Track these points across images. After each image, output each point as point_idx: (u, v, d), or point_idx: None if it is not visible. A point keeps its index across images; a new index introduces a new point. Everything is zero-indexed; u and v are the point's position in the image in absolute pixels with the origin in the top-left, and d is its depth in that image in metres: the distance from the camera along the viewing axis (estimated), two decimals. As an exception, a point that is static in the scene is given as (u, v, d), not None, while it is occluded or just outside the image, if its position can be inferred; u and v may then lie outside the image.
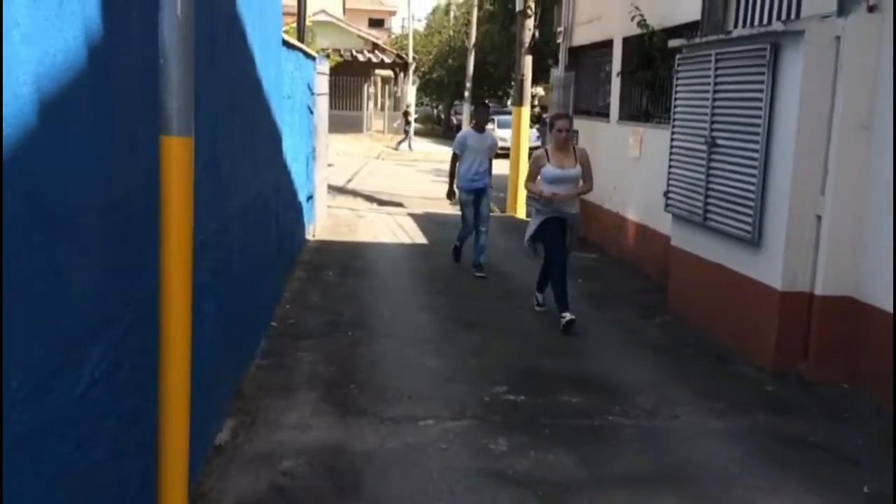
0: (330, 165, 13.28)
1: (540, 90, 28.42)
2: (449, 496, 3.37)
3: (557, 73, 11.63)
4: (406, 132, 27.54)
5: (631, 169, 8.32)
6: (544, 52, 17.06)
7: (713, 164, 5.63)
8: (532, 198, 6.22)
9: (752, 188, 5.11)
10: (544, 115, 18.48)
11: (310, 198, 9.12)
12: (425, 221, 11.47)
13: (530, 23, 12.84)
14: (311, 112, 8.95)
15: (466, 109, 30.59)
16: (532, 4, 12.72)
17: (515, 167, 12.47)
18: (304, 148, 8.37)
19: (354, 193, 14.76)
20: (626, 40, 8.94)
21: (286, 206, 6.95)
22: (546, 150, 6.11)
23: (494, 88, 34.17)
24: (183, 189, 2.17)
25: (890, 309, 4.44)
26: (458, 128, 31.42)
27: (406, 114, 29.16)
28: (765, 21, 5.66)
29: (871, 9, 4.65)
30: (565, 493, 3.44)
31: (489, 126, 24.79)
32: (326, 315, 6.10)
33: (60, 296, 1.80)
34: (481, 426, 4.12)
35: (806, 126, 4.74)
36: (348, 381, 4.68)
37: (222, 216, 3.74)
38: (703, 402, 4.54)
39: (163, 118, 2.08)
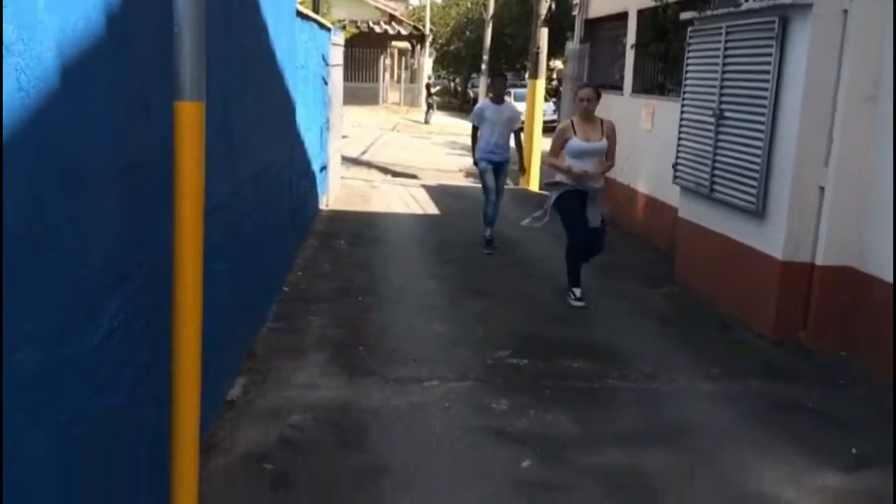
0: (344, 137, 13.38)
1: (559, 63, 28.24)
2: (450, 451, 3.52)
3: (573, 45, 11.60)
4: (429, 104, 27.52)
5: (643, 142, 8.36)
6: (563, 25, 16.98)
7: (720, 136, 5.68)
8: (549, 182, 5.99)
9: (757, 160, 5.17)
10: (561, 89, 18.42)
11: (323, 168, 9.24)
12: (438, 193, 11.57)
13: (547, -7, 12.79)
14: (326, 83, 9.04)
15: (483, 82, 30.54)
16: (548, -24, 12.65)
17: (529, 140, 12.49)
18: (317, 118, 8.48)
19: (369, 165, 14.87)
20: (640, 12, 8.93)
21: (299, 176, 7.08)
22: (572, 122, 5.81)
23: (512, 61, 33.96)
24: (195, 152, 2.29)
25: (889, 279, 4.52)
26: (475, 101, 31.37)
27: (428, 87, 29.15)
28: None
29: (879, -18, 4.66)
30: (562, 449, 3.58)
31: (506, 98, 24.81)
32: (337, 282, 6.25)
33: (80, 250, 1.93)
34: (484, 387, 4.26)
35: (811, 98, 4.78)
36: (357, 343, 4.84)
37: (234, 181, 3.88)
38: (701, 368, 4.66)
39: (176, 84, 2.20)
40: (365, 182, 12.62)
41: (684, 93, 6.35)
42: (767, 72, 5.07)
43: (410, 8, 43.01)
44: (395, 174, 14.07)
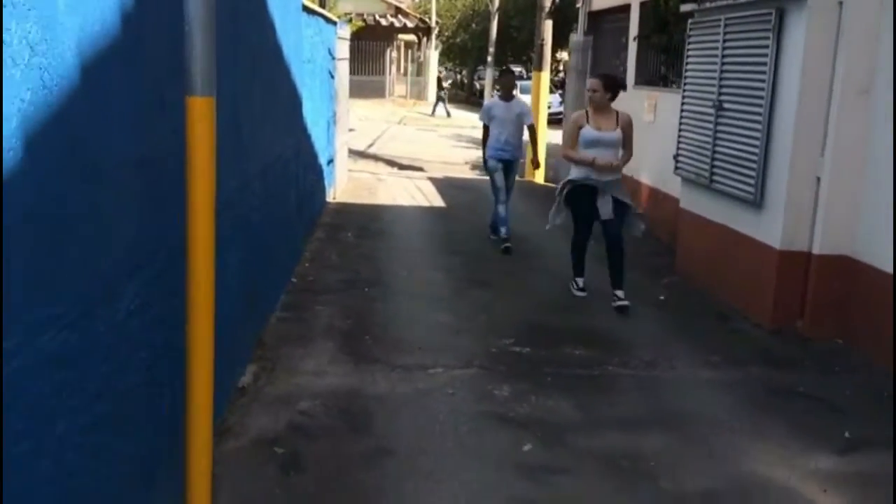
0: (351, 130, 13.49)
1: (565, 55, 28.26)
2: (453, 434, 3.64)
3: (576, 37, 11.68)
4: (440, 98, 27.57)
5: (645, 134, 8.41)
6: (568, 17, 17.02)
7: (720, 128, 5.77)
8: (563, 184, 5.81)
9: (755, 150, 5.26)
10: (566, 81, 18.47)
11: (330, 161, 9.35)
12: (444, 185, 11.67)
13: (551, -14, 12.85)
14: (332, 77, 9.13)
15: (489, 74, 30.56)
16: (553, -32, 12.71)
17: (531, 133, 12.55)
18: (324, 112, 8.58)
19: (375, 158, 14.97)
20: (643, 4, 9.00)
21: (306, 169, 7.19)
22: (586, 112, 5.70)
23: (518, 53, 33.96)
24: (207, 146, 2.40)
25: (884, 268, 4.60)
26: (481, 93, 31.38)
27: (440, 80, 29.22)
28: (774, -14, 5.73)
29: (875, -26, 4.73)
30: (562, 433, 3.69)
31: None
32: (344, 273, 6.37)
33: (100, 238, 2.05)
34: (487, 374, 4.37)
35: (808, 89, 4.86)
36: (363, 333, 4.95)
37: (243, 175, 3.99)
38: (700, 356, 4.76)
39: (188, 80, 2.31)
40: (371, 175, 12.73)
41: (685, 84, 6.43)
42: (765, 63, 5.15)
43: (416, 1, 43.02)
44: (402, 167, 14.17)
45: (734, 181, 5.56)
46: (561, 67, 28.63)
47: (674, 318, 5.54)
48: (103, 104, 2.02)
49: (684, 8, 6.54)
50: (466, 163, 14.95)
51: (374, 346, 4.73)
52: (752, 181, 5.31)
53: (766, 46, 5.14)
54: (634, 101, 8.81)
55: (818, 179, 4.93)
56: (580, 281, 5.94)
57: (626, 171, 9.02)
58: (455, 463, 3.38)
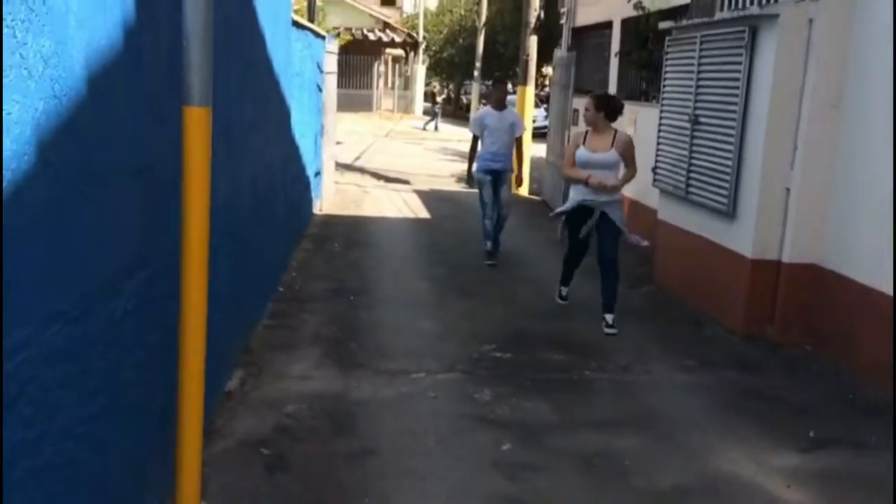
0: (338, 143, 13.63)
1: (550, 71, 28.57)
2: (435, 435, 3.77)
3: (560, 52, 11.90)
4: (436, 113, 27.72)
5: (626, 147, 8.62)
6: (553, 33, 17.29)
7: (696, 141, 5.96)
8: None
9: (728, 163, 5.45)
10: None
11: (318, 173, 9.49)
12: (430, 198, 11.83)
13: (536, 3, 13.08)
14: (320, 90, 9.29)
15: (476, 89, 30.84)
16: (538, -16, 12.95)
17: (518, 146, 12.75)
18: (312, 125, 8.73)
19: (362, 170, 15.11)
20: (624, 21, 9.23)
21: (294, 180, 7.33)
22: (587, 132, 5.63)
23: (505, 68, 34.27)
24: (202, 154, 2.54)
25: (850, 275, 4.79)
26: (468, 107, 31.65)
27: (434, 94, 29.42)
28: (747, 5, 5.95)
29: (843, -6, 4.94)
30: (540, 433, 3.83)
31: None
32: (331, 283, 6.50)
33: (101, 240, 2.18)
34: (469, 379, 4.51)
35: (778, 104, 5.06)
36: (349, 339, 5.08)
37: (233, 184, 4.12)
38: (674, 360, 4.92)
39: (185, 90, 2.45)
40: (358, 187, 12.87)
41: (663, 99, 6.62)
42: (738, 79, 5.35)
43: (404, 16, 43.35)
44: (388, 179, 14.32)
45: (709, 193, 5.75)
46: (546, 82, 28.92)
47: (650, 325, 5.71)
48: (106, 113, 2.16)
49: (663, 25, 6.75)
50: (452, 175, 15.11)
51: (360, 352, 4.86)
52: (725, 192, 5.49)
53: (740, 63, 5.34)
54: (616, 115, 9.01)
55: (788, 191, 5.12)
56: (563, 290, 6.08)
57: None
58: (436, 462, 3.51)
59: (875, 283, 4.58)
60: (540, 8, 13.39)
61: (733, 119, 5.40)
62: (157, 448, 2.79)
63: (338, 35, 16.65)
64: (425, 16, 35.82)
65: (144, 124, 2.50)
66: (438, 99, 29.03)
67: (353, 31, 28.36)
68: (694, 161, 5.98)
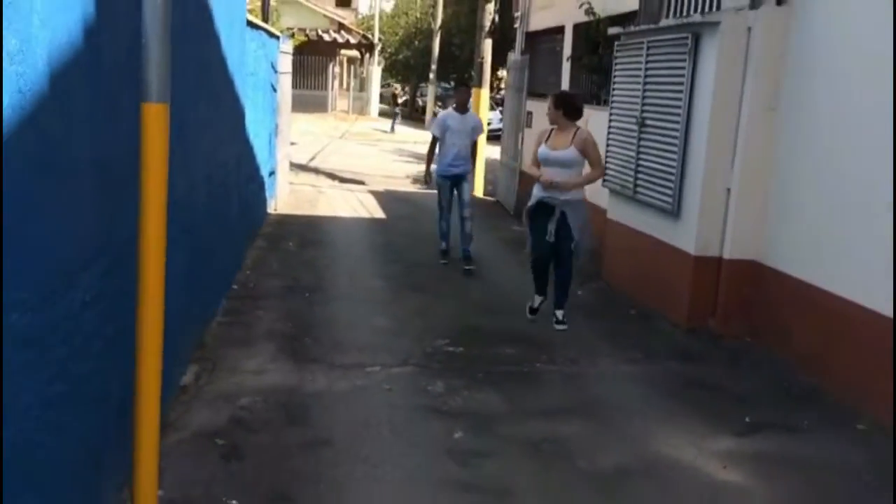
0: (293, 144, 13.61)
1: (506, 74, 28.84)
2: (389, 425, 3.87)
3: (514, 56, 12.10)
4: (396, 114, 27.72)
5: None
6: (508, 37, 17.53)
7: (643, 143, 6.17)
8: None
9: (673, 164, 5.66)
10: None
11: (272, 173, 9.50)
12: (385, 198, 11.91)
13: (491, 7, 13.28)
14: (275, 90, 9.31)
15: (431, 91, 30.99)
16: (493, -12, 13.15)
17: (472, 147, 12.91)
18: (266, 124, 8.74)
19: (317, 171, 15.11)
20: (576, 27, 9.45)
21: (248, 179, 7.35)
22: (551, 130, 5.60)
23: (460, 71, 34.51)
24: (160, 149, 2.59)
25: (786, 271, 5.03)
26: (424, 109, 31.76)
27: (395, 96, 29.41)
28: (691, 12, 6.19)
29: (780, 2, 5.19)
30: (490, 422, 3.96)
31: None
32: (285, 280, 6.54)
33: (60, 231, 2.23)
34: (422, 372, 4.62)
35: (719, 108, 5.28)
36: (304, 335, 5.15)
37: (188, 180, 4.16)
38: (620, 353, 5.11)
39: (144, 87, 2.51)
40: (313, 187, 12.87)
41: (612, 102, 6.83)
42: (682, 84, 5.57)
43: (360, 17, 43.29)
44: (343, 180, 14.35)
45: (655, 192, 5.96)
46: (502, 85, 29.21)
47: (599, 321, 5.90)
48: (67, 108, 2.22)
49: (611, 31, 6.96)
50: (408, 176, 15.21)
51: (314, 347, 4.93)
52: (670, 192, 5.71)
53: (683, 68, 5.56)
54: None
55: (728, 191, 5.35)
56: (537, 299, 5.72)
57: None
58: (390, 449, 3.61)
59: (809, 277, 4.82)
60: (495, 12, 13.59)
61: (677, 122, 5.62)
62: (114, 437, 2.84)
63: (292, 35, 16.61)
64: (381, 17, 35.85)
65: (102, 120, 2.56)
66: (399, 101, 29.04)
67: (308, 31, 28.23)
68: (641, 162, 6.19)
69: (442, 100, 31.26)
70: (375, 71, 33.52)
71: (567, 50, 9.71)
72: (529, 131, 10.77)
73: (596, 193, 7.96)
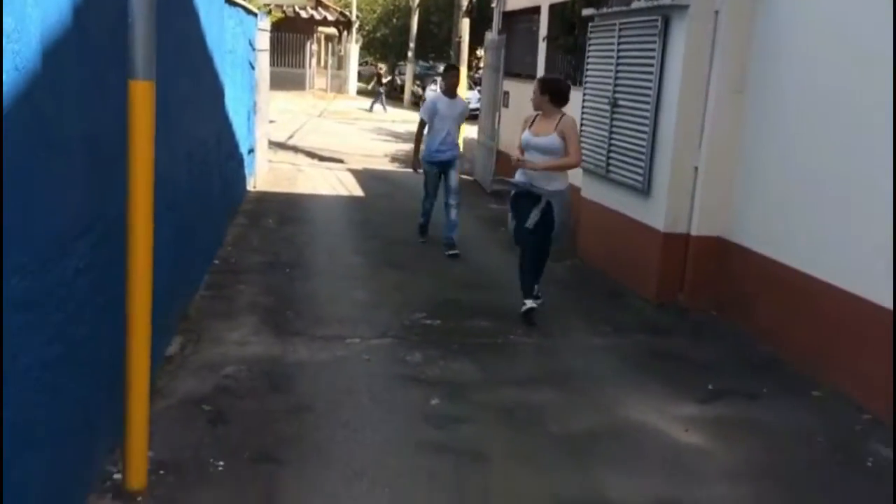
0: (272, 122, 13.61)
1: (484, 53, 28.84)
2: (368, 392, 4.03)
3: (491, 35, 12.19)
4: (379, 93, 27.45)
5: (553, 128, 8.98)
6: (487, 16, 17.59)
7: (615, 123, 6.34)
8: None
9: (643, 143, 5.84)
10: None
11: (251, 151, 9.56)
12: (364, 176, 12.00)
13: (468, -14, 13.39)
14: (253, 67, 9.34)
15: (410, 70, 30.94)
16: (470, -32, 13.22)
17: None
18: (245, 102, 8.79)
19: (295, 149, 15.13)
20: (552, 7, 9.57)
21: (228, 157, 7.41)
22: (536, 115, 5.41)
23: (439, 49, 34.47)
24: (147, 125, 2.71)
25: (751, 246, 5.24)
26: (402, 88, 31.71)
27: (379, 76, 29.22)
28: (663, -6, 6.34)
29: (747, -14, 5.35)
30: (465, 390, 4.14)
31: (431, 87, 24.97)
32: (266, 256, 6.66)
33: (55, 201, 2.35)
34: (401, 343, 4.78)
35: (687, 88, 5.46)
36: (285, 308, 5.28)
37: (172, 157, 4.26)
38: (592, 327, 5.31)
39: (130, 65, 2.62)
40: (292, 165, 12.92)
41: (585, 83, 6.98)
42: (652, 65, 5.73)
43: (337, -6, 42.89)
44: (322, 158, 14.39)
45: (626, 171, 6.14)
46: (481, 65, 29.25)
47: (573, 296, 6.09)
48: (58, 84, 2.32)
49: (586, 12, 7.10)
50: (386, 155, 15.29)
51: (296, 320, 5.07)
52: (641, 171, 5.89)
53: (654, 50, 5.72)
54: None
55: (696, 169, 5.54)
56: (528, 302, 5.31)
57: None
58: (369, 415, 3.78)
59: (770, 252, 5.03)
60: (472, -10, 13.70)
61: (648, 102, 5.79)
62: (106, 401, 2.96)
63: (269, 12, 16.52)
64: (359, -5, 35.60)
65: (91, 97, 2.66)
66: (384, 80, 28.86)
67: (285, 8, 27.97)
68: (613, 142, 6.36)
69: (420, 78, 31.22)
70: (353, 49, 33.36)
71: (543, 30, 9.83)
72: (506, 111, 10.91)
73: (571, 173, 8.13)
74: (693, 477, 3.41)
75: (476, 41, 20.20)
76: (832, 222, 4.49)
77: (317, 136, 17.76)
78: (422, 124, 7.29)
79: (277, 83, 17.90)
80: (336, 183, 11.29)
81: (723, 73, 5.39)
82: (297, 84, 29.23)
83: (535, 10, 10.14)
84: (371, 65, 44.10)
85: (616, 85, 6.31)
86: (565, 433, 3.72)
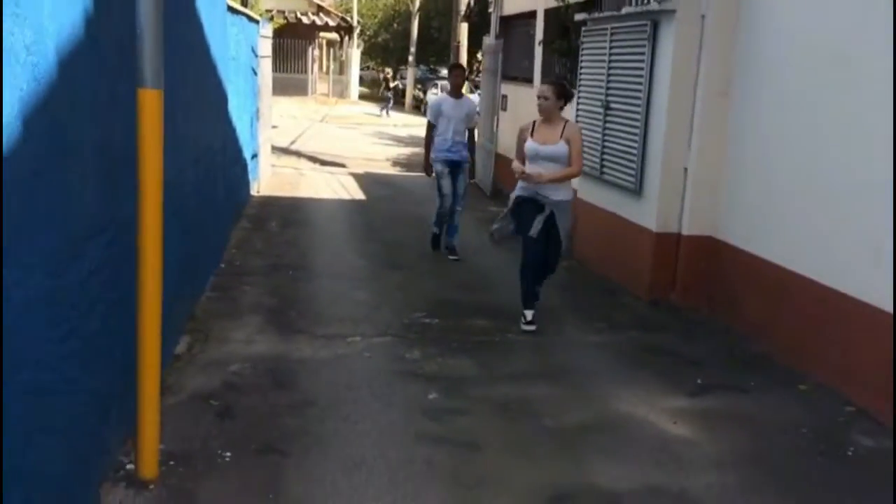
0: (274, 127, 13.80)
1: (482, 57, 29.00)
2: (368, 388, 4.18)
3: (489, 40, 12.36)
4: (388, 98, 27.54)
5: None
6: (486, 20, 17.77)
7: (608, 125, 6.49)
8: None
9: (635, 145, 5.99)
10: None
11: (254, 156, 9.73)
12: (365, 181, 12.18)
13: (467, -10, 13.55)
14: (255, 74, 9.51)
15: (411, 74, 31.13)
16: (468, -27, 13.39)
17: (470, 135, 13.17)
18: (248, 108, 8.96)
19: (298, 154, 15.31)
20: (547, 12, 9.72)
21: (232, 162, 7.59)
22: (534, 122, 5.25)
23: (439, 54, 34.67)
24: (156, 132, 2.87)
25: (740, 245, 5.38)
26: (403, 92, 31.89)
27: (386, 80, 29.34)
28: (651, 0, 6.49)
29: (733, -9, 5.50)
30: (462, 385, 4.29)
31: (433, 91, 25.10)
32: (269, 259, 6.82)
33: (69, 204, 2.51)
34: (400, 341, 4.93)
35: (676, 91, 5.61)
36: (289, 309, 5.44)
37: (179, 163, 4.42)
38: (587, 324, 5.46)
39: (139, 74, 2.78)
40: (294, 170, 13.10)
41: (579, 86, 7.14)
42: (642, 69, 5.88)
43: (338, -1, 43.13)
44: (324, 163, 14.57)
45: (619, 173, 6.29)
46: (481, 68, 29.43)
47: (569, 294, 6.24)
48: (72, 93, 2.49)
49: (578, 17, 7.26)
50: (388, 159, 15.46)
51: (299, 320, 5.23)
52: (633, 172, 6.04)
53: (643, 53, 5.87)
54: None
55: (685, 170, 5.69)
56: (528, 314, 5.21)
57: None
58: (369, 409, 3.93)
59: (756, 250, 5.18)
60: (471, -5, 13.86)
61: (639, 105, 5.94)
62: (118, 394, 3.12)
63: (271, 18, 16.73)
64: (359, 0, 35.82)
65: (102, 105, 2.82)
66: (391, 85, 29.00)
67: (287, 14, 28.22)
68: (606, 144, 6.52)
69: (421, 82, 31.39)
70: (355, 54, 33.56)
71: (539, 34, 9.98)
72: (504, 114, 11.07)
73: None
74: (681, 466, 3.55)
75: (476, 45, 20.41)
76: (814, 220, 4.64)
77: (319, 140, 17.96)
78: (430, 127, 7.20)
79: (280, 89, 18.11)
80: (338, 187, 11.46)
81: (709, 76, 5.54)
82: (300, 89, 29.45)
83: (532, 15, 10.30)
84: (373, 69, 44.32)
85: (608, 88, 6.47)
86: (559, 425, 3.87)
